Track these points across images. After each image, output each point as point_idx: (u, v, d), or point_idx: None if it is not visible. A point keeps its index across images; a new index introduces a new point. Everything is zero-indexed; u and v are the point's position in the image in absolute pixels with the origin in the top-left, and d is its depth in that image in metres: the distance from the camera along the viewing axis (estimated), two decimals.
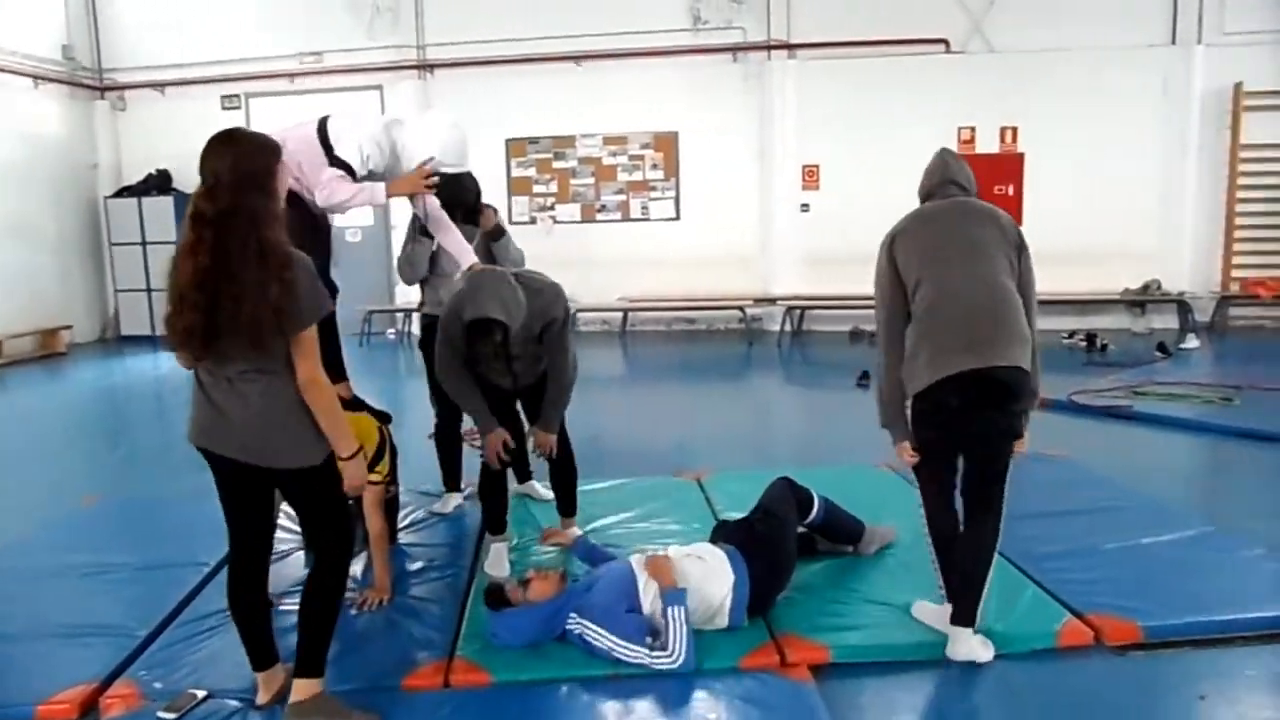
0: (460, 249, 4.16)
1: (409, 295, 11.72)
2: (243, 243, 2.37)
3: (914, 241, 3.17)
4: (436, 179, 4.03)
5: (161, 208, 11.71)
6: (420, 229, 4.39)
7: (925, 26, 10.87)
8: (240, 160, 2.44)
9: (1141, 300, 10.80)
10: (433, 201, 4.19)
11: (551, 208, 11.75)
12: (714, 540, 3.52)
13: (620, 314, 11.47)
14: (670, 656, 2.96)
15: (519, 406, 4.03)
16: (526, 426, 4.02)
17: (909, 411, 3.17)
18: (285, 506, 3.72)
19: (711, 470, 5.08)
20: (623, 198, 11.68)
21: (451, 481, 4.72)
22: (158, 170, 12.00)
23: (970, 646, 3.06)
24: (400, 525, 4.33)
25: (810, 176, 11.28)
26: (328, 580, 2.72)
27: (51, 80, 11.73)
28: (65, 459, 6.52)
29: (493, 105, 11.30)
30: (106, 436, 7.47)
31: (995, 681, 3.00)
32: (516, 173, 11.71)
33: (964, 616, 3.07)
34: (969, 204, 3.24)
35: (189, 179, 2.55)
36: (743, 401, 8.27)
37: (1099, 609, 3.27)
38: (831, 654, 3.05)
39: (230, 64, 11.78)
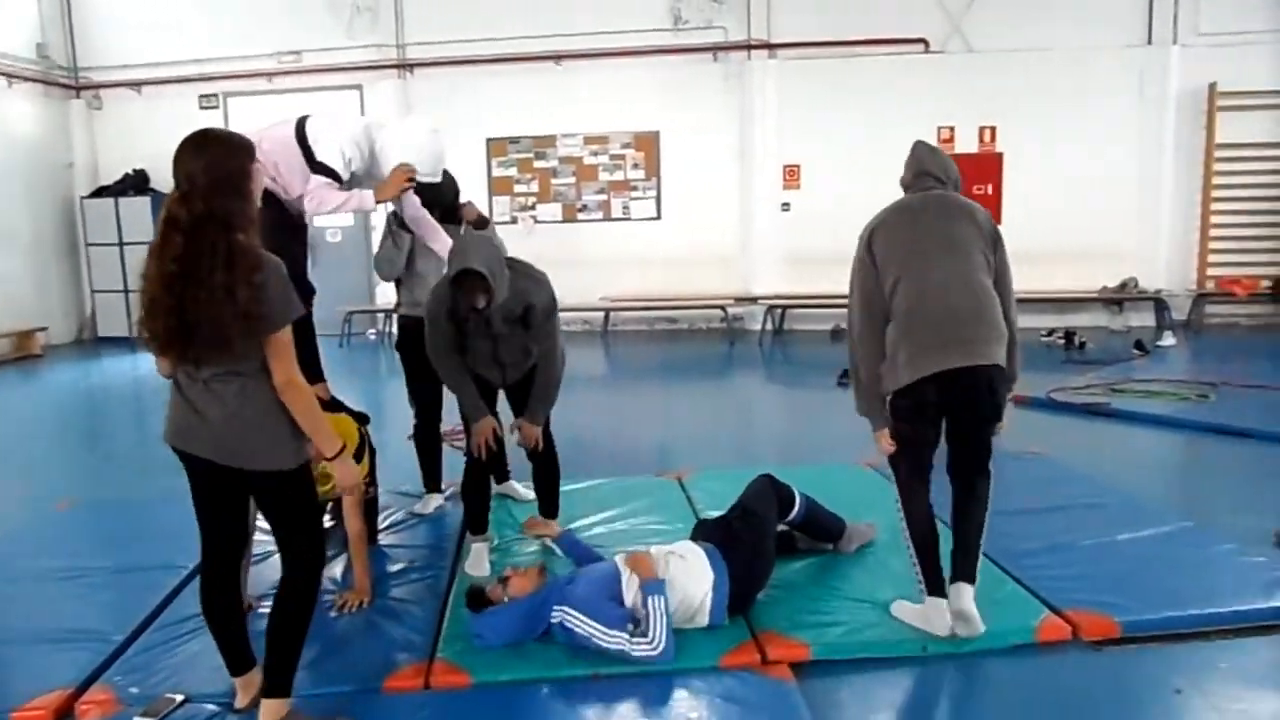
0: (439, 234, 4.22)
1: (389, 296, 11.66)
2: (212, 246, 2.35)
3: (893, 236, 3.22)
4: (414, 178, 4.03)
5: (138, 208, 11.60)
6: (399, 223, 4.38)
7: (904, 26, 10.93)
8: (214, 163, 2.41)
9: (1119, 298, 10.90)
10: (417, 206, 4.21)
11: (532, 207, 11.73)
12: (694, 539, 3.52)
13: (602, 314, 11.46)
14: (650, 644, 2.97)
15: (501, 411, 4.02)
16: (510, 424, 3.99)
17: (887, 406, 3.22)
18: None
19: (693, 470, 5.09)
20: (604, 197, 11.68)
21: (432, 482, 4.71)
22: (134, 170, 11.90)
23: (967, 607, 3.13)
24: (380, 526, 4.31)
25: (791, 176, 11.32)
26: (299, 591, 2.65)
27: (25, 79, 11.60)
28: (41, 462, 6.45)
29: (473, 105, 11.28)
30: (83, 439, 7.40)
31: (974, 676, 3.02)
32: (497, 172, 11.68)
33: (968, 574, 3.17)
34: (945, 199, 3.28)
35: (166, 179, 2.53)
36: (724, 400, 8.29)
37: (1077, 605, 3.29)
38: (812, 652, 3.06)
39: (208, 63, 11.69)
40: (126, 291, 11.61)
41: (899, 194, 3.42)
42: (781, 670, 2.95)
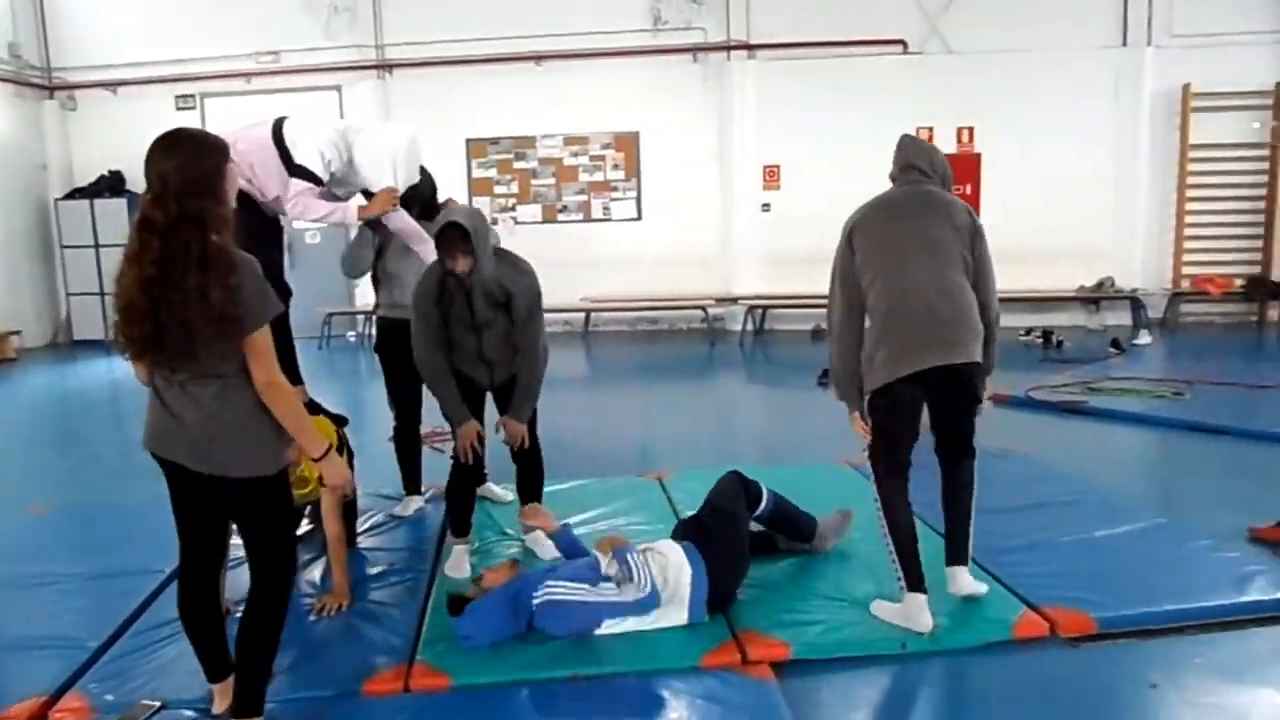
0: (419, 235, 4.24)
1: (369, 297, 11.60)
2: (186, 248, 2.32)
3: (872, 234, 3.29)
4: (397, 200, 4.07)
5: (114, 210, 11.50)
6: (368, 222, 4.36)
7: (883, 27, 10.99)
8: (187, 163, 2.37)
9: (1096, 297, 11.00)
10: (401, 218, 4.20)
11: (512, 208, 11.71)
12: (674, 538, 3.53)
13: (582, 315, 11.46)
14: (638, 585, 3.13)
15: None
16: (495, 422, 3.97)
17: (866, 403, 3.29)
18: None
19: (674, 470, 5.09)
20: (584, 198, 11.67)
21: (411, 484, 4.68)
22: (110, 171, 11.78)
23: (964, 583, 3.31)
24: (360, 529, 4.29)
25: (771, 176, 11.35)
26: (272, 598, 2.60)
27: None
28: (14, 467, 6.37)
29: (453, 106, 11.25)
30: (57, 443, 7.31)
31: (953, 674, 3.04)
32: (477, 173, 11.65)
33: (961, 556, 3.33)
34: (926, 195, 3.33)
35: (142, 181, 2.49)
36: (705, 401, 8.30)
37: (1054, 602, 3.31)
38: (792, 651, 3.07)
39: (185, 63, 11.60)
40: (102, 294, 11.49)
41: (879, 193, 3.47)
42: (762, 670, 2.96)
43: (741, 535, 3.50)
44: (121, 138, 11.20)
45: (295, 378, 3.97)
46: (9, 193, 11.67)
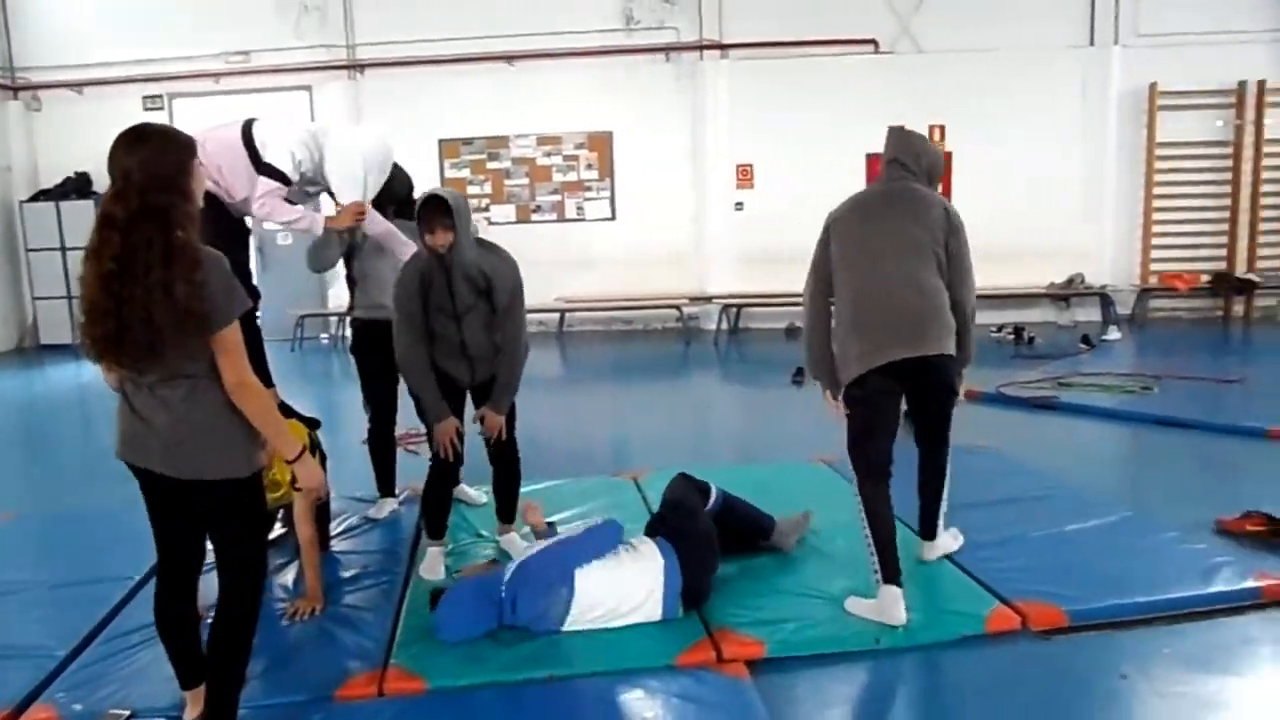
0: (395, 236, 4.28)
1: (342, 299, 11.52)
2: (148, 244, 2.26)
3: (848, 233, 3.44)
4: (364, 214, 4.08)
5: (81, 212, 11.29)
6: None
7: (855, 27, 11.03)
8: (150, 158, 2.32)
9: (1066, 294, 11.11)
10: (379, 224, 4.19)
11: (486, 209, 11.65)
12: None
13: (557, 315, 11.43)
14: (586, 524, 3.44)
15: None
16: (474, 414, 3.96)
17: (843, 396, 3.41)
18: None
19: (649, 470, 5.09)
20: (558, 198, 11.64)
21: (385, 487, 4.65)
22: (76, 173, 11.61)
23: (937, 547, 3.67)
24: (333, 532, 4.26)
25: (744, 175, 11.37)
26: (244, 604, 2.57)
27: None
28: None
29: (425, 106, 11.17)
30: (25, 450, 7.21)
31: (926, 668, 3.07)
32: (450, 174, 11.58)
33: (929, 531, 3.68)
34: (904, 194, 3.43)
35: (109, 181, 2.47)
36: (680, 400, 8.31)
37: (1025, 595, 3.35)
38: (767, 649, 3.08)
39: (152, 63, 11.43)
40: (70, 297, 11.33)
41: (851, 192, 3.60)
42: (737, 668, 2.97)
43: (706, 528, 3.53)
44: (88, 139, 11.01)
45: (266, 380, 3.94)
46: None
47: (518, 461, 4.08)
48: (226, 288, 2.38)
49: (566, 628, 3.21)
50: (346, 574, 3.84)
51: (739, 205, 11.40)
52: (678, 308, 11.17)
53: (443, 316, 3.73)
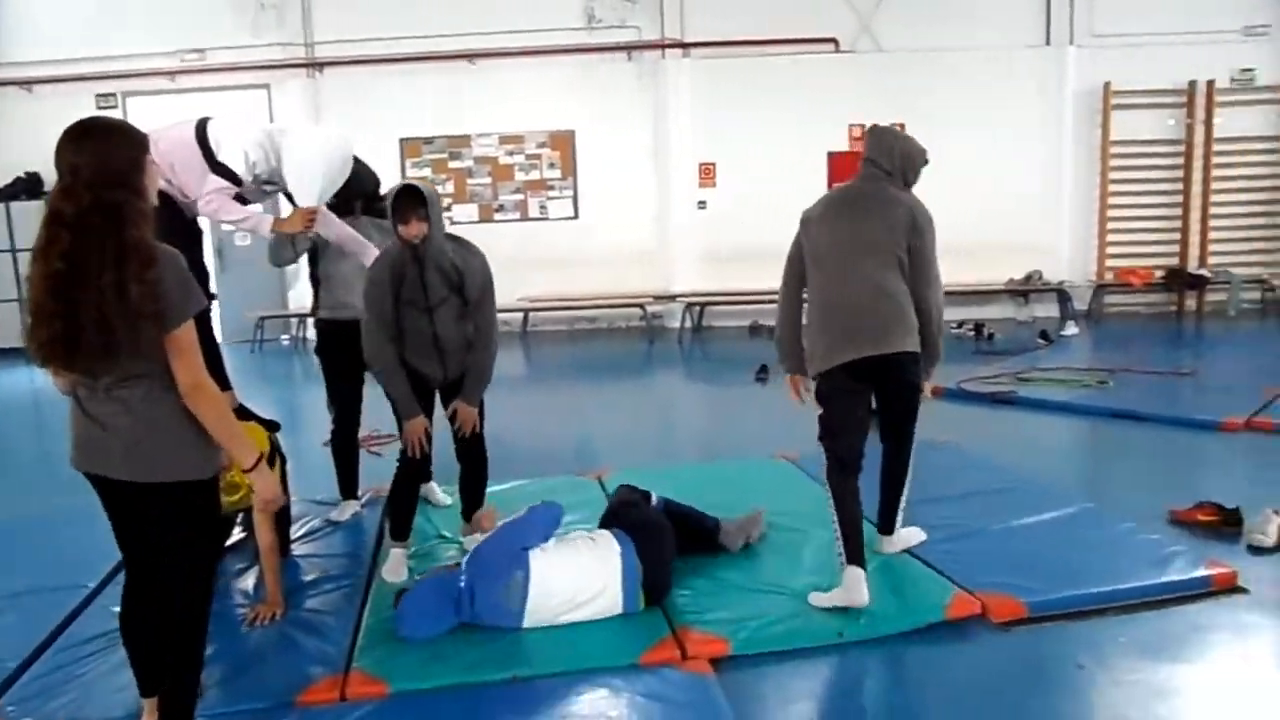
0: (355, 239, 4.25)
1: (303, 300, 11.39)
2: (100, 244, 2.19)
3: (818, 233, 3.60)
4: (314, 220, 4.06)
5: (31, 213, 11.03)
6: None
7: (816, 26, 11.10)
8: (100, 153, 2.24)
9: (1025, 290, 11.27)
10: (336, 227, 4.15)
11: (449, 208, 11.57)
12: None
13: (521, 315, 11.39)
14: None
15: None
16: (448, 409, 3.94)
17: (814, 390, 3.61)
18: None
19: (613, 469, 5.09)
20: (520, 197, 11.60)
21: (348, 489, 4.61)
22: (27, 173, 11.35)
23: (896, 542, 3.74)
24: (294, 536, 4.21)
25: (707, 174, 11.40)
26: (195, 609, 2.50)
27: None
28: None
29: (385, 105, 11.06)
30: None
31: (888, 660, 3.10)
32: (412, 173, 11.46)
33: (888, 526, 3.75)
34: (872, 195, 3.57)
35: None
36: (644, 399, 8.31)
37: (985, 587, 3.40)
38: (731, 646, 3.09)
39: (105, 60, 11.20)
40: (20, 300, 11.08)
41: (813, 190, 3.84)
42: (701, 666, 2.98)
43: (658, 519, 3.59)
44: (38, 138, 10.70)
45: (222, 383, 3.88)
46: None
47: (485, 460, 4.07)
48: (181, 285, 2.32)
49: (528, 623, 3.21)
50: (308, 578, 3.80)
51: (702, 204, 11.42)
52: (641, 306, 11.17)
53: (415, 310, 3.71)
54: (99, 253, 2.20)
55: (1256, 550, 3.80)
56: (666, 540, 3.47)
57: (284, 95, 11.28)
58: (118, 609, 2.66)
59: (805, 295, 3.68)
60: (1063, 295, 11.14)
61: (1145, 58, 10.89)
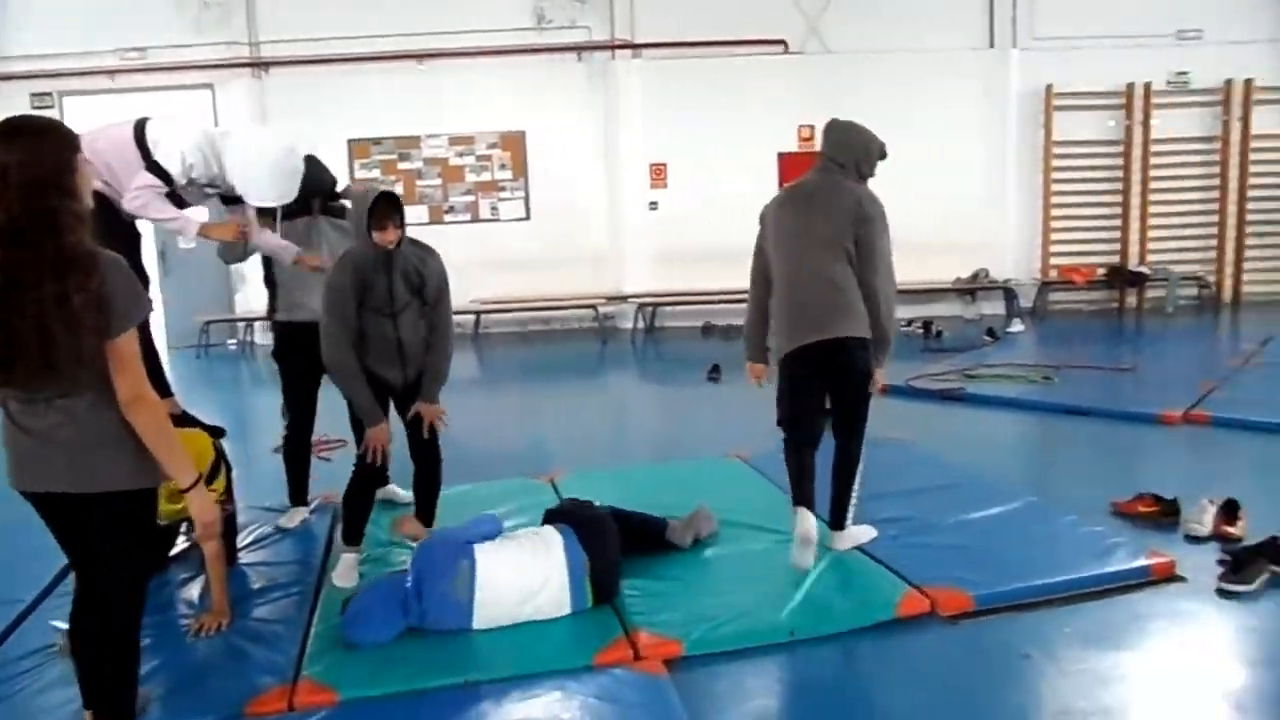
0: (288, 251, 4.22)
1: (251, 303, 11.20)
2: (35, 253, 2.11)
3: (775, 225, 3.79)
4: (246, 231, 4.04)
5: None
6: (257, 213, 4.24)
7: (765, 28, 11.17)
8: (30, 155, 2.16)
9: (972, 288, 11.47)
10: (262, 238, 4.10)
11: None
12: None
13: (472, 317, 11.31)
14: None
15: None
16: (410, 412, 3.91)
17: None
18: None
19: (566, 470, 5.08)
20: (471, 198, 11.51)
21: (298, 495, 4.53)
22: None
23: (845, 538, 3.78)
24: (241, 544, 4.13)
25: (658, 175, 11.42)
26: (131, 622, 2.43)
27: None
28: None
29: (333, 105, 10.90)
30: None
31: (840, 656, 3.14)
32: (360, 175, 11.34)
33: (838, 521, 3.79)
34: (822, 190, 3.70)
35: None
36: (597, 400, 8.31)
37: (934, 582, 3.44)
38: (684, 646, 3.10)
39: (41, 59, 10.89)
40: None
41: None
42: (655, 666, 2.98)
43: (599, 514, 3.60)
44: None
45: (163, 390, 3.80)
46: None
47: (440, 461, 4.03)
48: (127, 292, 2.25)
49: (477, 621, 3.19)
50: (255, 586, 3.74)
51: (653, 204, 11.44)
52: (594, 308, 11.16)
53: (379, 316, 3.70)
54: (35, 262, 2.12)
55: (1193, 539, 3.90)
56: (609, 533, 3.48)
57: (229, 95, 11.07)
58: (55, 623, 2.59)
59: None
60: (1009, 293, 11.35)
61: (1085, 61, 11.14)
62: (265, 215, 4.24)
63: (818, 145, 3.88)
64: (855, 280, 3.61)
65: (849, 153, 3.72)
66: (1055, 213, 11.55)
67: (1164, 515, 4.11)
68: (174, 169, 3.70)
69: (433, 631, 3.20)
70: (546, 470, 5.13)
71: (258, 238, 4.16)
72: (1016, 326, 10.17)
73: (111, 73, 10.99)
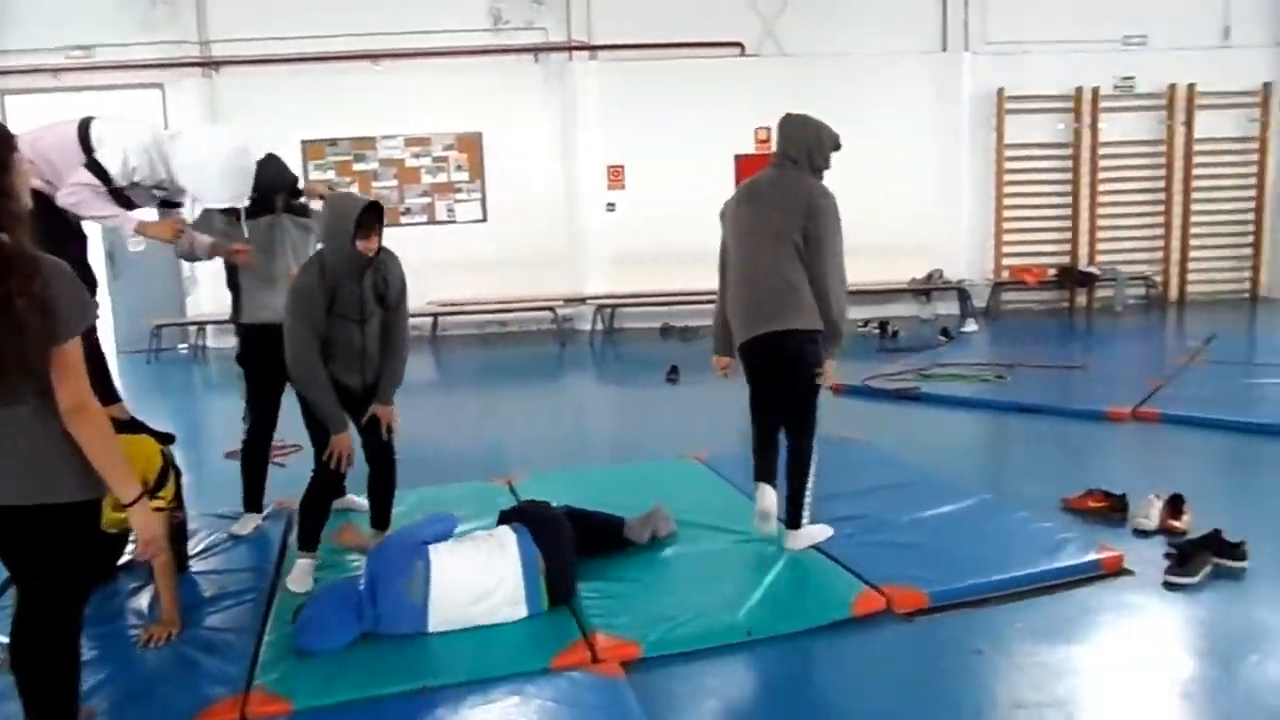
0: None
1: (203, 307, 11.01)
2: None
3: (731, 220, 3.89)
4: (183, 230, 3.97)
5: None
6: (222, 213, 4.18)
7: (721, 30, 11.24)
8: None
9: (927, 289, 11.64)
10: (205, 244, 4.04)
11: None
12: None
13: (430, 319, 11.23)
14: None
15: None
16: (366, 416, 3.88)
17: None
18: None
19: (523, 473, 5.05)
20: (428, 200, 11.43)
21: (253, 502, 4.45)
22: None
23: (801, 537, 3.81)
24: (192, 551, 4.06)
25: (615, 176, 11.43)
26: (71, 634, 2.36)
27: None
28: None
29: (286, 106, 10.76)
30: None
31: (797, 655, 3.15)
32: (315, 176, 11.20)
33: (793, 520, 3.82)
34: (777, 180, 3.78)
35: None
36: (556, 402, 8.28)
37: (889, 580, 3.48)
38: (642, 649, 3.10)
39: None
40: None
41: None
42: (613, 668, 2.97)
43: (553, 513, 3.60)
44: None
45: (111, 396, 3.73)
46: None
47: (394, 465, 4.00)
48: (72, 297, 2.19)
49: (433, 624, 3.17)
50: (207, 594, 3.67)
51: (611, 206, 11.44)
52: (552, 309, 11.13)
53: (347, 322, 3.67)
54: None
55: (1140, 534, 3.99)
56: (564, 533, 3.48)
57: (179, 95, 10.88)
58: None
59: None
60: (962, 293, 11.53)
61: (1035, 65, 11.37)
62: (229, 215, 4.17)
63: (774, 147, 3.92)
64: (804, 273, 3.68)
65: (801, 146, 3.78)
66: (1007, 214, 11.75)
67: (1113, 510, 4.19)
68: (114, 169, 3.62)
69: (387, 637, 3.16)
70: (504, 473, 5.11)
71: (201, 242, 4.08)
72: (970, 326, 10.32)
73: (56, 71, 10.75)
